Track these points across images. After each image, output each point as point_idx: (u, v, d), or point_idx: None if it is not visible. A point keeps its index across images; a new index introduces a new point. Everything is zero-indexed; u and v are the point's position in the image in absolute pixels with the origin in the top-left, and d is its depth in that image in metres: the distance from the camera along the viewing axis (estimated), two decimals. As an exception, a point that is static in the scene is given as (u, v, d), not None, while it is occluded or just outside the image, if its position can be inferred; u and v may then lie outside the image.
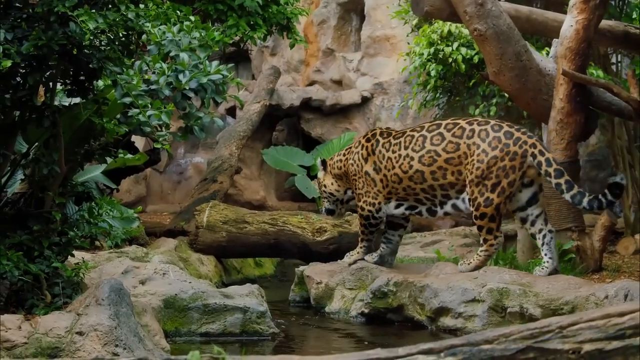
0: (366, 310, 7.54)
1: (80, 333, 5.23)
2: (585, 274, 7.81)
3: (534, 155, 7.26)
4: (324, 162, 8.40)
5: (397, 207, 7.81)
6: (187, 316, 6.60)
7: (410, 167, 7.59)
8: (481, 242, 7.46)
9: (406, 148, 7.64)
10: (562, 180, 7.18)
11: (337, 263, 8.20)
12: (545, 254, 7.38)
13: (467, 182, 7.38)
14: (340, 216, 8.70)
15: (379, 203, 7.83)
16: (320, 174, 8.42)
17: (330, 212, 8.44)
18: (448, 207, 7.60)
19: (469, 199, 7.39)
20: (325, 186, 8.33)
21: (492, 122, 7.51)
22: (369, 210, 7.86)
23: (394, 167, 7.68)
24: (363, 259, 7.98)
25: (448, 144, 7.47)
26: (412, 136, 7.65)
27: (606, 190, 7.07)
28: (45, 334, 5.21)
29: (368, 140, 7.96)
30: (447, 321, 6.97)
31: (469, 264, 7.41)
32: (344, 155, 8.20)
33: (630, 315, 2.97)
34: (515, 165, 7.27)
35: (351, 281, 7.85)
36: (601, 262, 8.17)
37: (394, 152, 7.71)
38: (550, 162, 7.22)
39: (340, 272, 7.98)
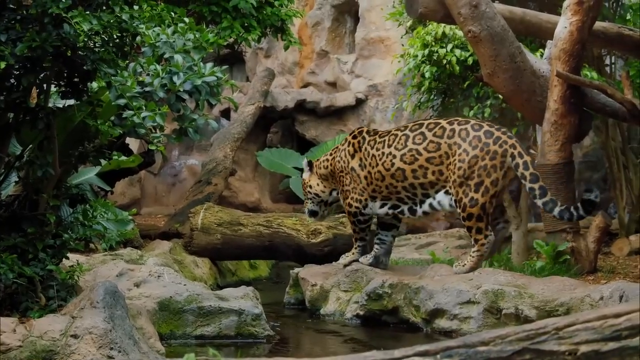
0: (361, 312, 7.53)
1: (75, 336, 5.21)
2: (580, 275, 7.82)
3: (512, 156, 7.29)
4: (309, 163, 8.39)
5: (381, 206, 7.84)
6: (182, 319, 6.58)
7: (392, 164, 7.64)
8: (472, 242, 7.47)
9: (389, 146, 7.69)
10: (536, 186, 7.23)
11: (332, 265, 8.19)
12: None
13: (451, 182, 7.40)
14: (322, 218, 8.61)
15: (365, 200, 7.85)
16: (306, 175, 8.38)
17: (313, 214, 8.37)
18: (426, 207, 7.64)
19: (455, 200, 7.41)
20: (310, 187, 8.31)
21: (472, 121, 7.56)
22: (356, 207, 7.89)
23: (377, 165, 7.74)
24: (358, 261, 7.97)
25: (429, 143, 7.51)
26: (396, 135, 7.73)
27: (579, 205, 7.12)
28: (39, 337, 5.19)
29: (355, 137, 8.01)
30: (442, 323, 6.97)
31: (463, 265, 7.41)
32: (331, 155, 8.23)
33: (626, 316, 2.97)
34: (496, 165, 7.30)
35: (346, 283, 7.84)
36: (596, 264, 8.18)
37: (377, 149, 7.77)
38: (527, 166, 7.25)
39: (335, 274, 7.97)
